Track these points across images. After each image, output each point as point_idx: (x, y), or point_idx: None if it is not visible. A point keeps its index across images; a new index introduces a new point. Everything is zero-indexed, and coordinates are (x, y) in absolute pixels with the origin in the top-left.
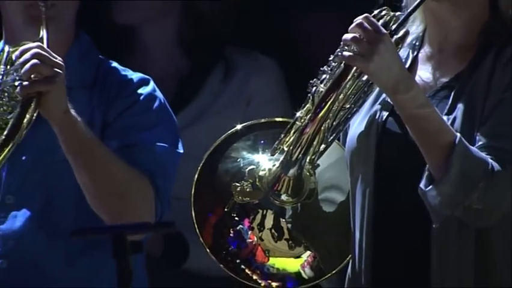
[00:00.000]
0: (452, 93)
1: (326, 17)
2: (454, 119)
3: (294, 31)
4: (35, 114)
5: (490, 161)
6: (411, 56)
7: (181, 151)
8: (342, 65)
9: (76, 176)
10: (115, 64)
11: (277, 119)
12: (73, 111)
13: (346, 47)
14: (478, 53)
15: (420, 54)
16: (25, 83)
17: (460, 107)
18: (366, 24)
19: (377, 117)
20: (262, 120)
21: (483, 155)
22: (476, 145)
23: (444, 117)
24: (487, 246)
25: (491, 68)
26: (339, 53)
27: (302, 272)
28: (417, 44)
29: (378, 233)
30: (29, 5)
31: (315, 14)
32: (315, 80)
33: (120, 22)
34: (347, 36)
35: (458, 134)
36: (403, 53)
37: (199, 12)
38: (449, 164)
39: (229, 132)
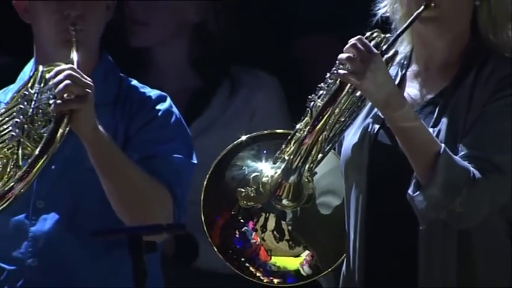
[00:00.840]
0: (437, 108)
1: (322, 39)
2: (439, 131)
3: (294, 51)
4: (66, 130)
5: (472, 169)
6: (400, 73)
7: (196, 162)
8: (337, 82)
9: (102, 184)
10: (134, 82)
11: (279, 131)
12: (100, 128)
13: (341, 66)
14: (460, 71)
15: (408, 72)
16: (59, 101)
17: (444, 120)
18: (359, 45)
19: (369, 129)
20: (265, 132)
21: (465, 163)
22: (459, 155)
23: (430, 130)
24: (469, 247)
25: (472, 85)
26: (335, 71)
27: (301, 269)
28: (405, 62)
29: (370, 234)
30: (60, 30)
31: (312, 35)
32: (313, 95)
33: (135, 45)
34: (342, 55)
35: (443, 145)
36: (393, 71)
37: (207, 35)
38: (435, 172)
39: (235, 142)
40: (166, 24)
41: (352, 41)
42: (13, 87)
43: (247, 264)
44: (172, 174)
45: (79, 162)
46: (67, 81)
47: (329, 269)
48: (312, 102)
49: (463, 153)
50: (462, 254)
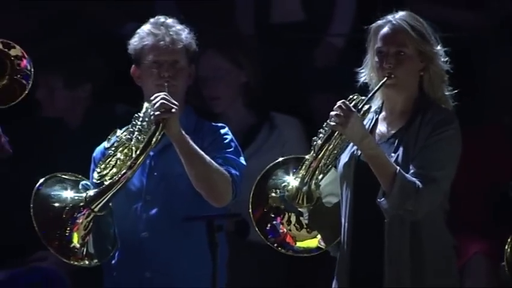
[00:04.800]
0: (397, 140)
1: (327, 95)
2: (398, 156)
3: (309, 103)
4: (161, 133)
5: (417, 182)
6: (374, 117)
7: (245, 163)
8: (330, 129)
9: (187, 170)
10: (206, 120)
11: (300, 156)
12: (183, 132)
13: (332, 119)
14: (412, 116)
15: (380, 116)
16: (157, 112)
17: (401, 148)
18: (343, 106)
19: (355, 153)
20: (293, 156)
21: (413, 178)
22: (410, 172)
23: (392, 155)
24: (418, 231)
25: (419, 125)
26: (328, 122)
27: (319, 244)
28: (378, 110)
29: (355, 220)
30: (158, 85)
31: (322, 93)
32: (315, 137)
33: (214, 111)
34: (332, 112)
35: (398, 167)
36: (370, 115)
37: (252, 91)
38: (393, 185)
39: (273, 163)
40: (231, 94)
41: (339, 103)
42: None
43: (280, 248)
44: (231, 167)
45: (172, 171)
46: (162, 100)
47: (334, 242)
48: (315, 142)
49: (412, 171)
50: (413, 235)
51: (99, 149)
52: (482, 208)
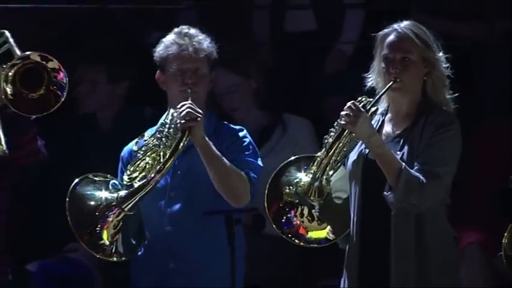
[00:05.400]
0: (402, 140)
1: (337, 98)
2: (403, 153)
3: (320, 105)
4: (187, 139)
5: (421, 177)
6: (381, 119)
7: (262, 165)
8: (340, 128)
9: (209, 173)
10: (225, 122)
11: (311, 155)
12: (206, 138)
13: (343, 118)
14: (416, 118)
15: (386, 118)
16: (182, 121)
17: (406, 147)
18: (352, 106)
19: (362, 151)
20: (304, 155)
21: (418, 174)
22: (414, 169)
23: (398, 153)
24: (421, 223)
25: (423, 126)
26: (339, 121)
27: (328, 236)
28: (384, 112)
29: (363, 215)
30: (182, 91)
31: (332, 96)
32: (326, 136)
33: (235, 118)
34: (343, 112)
35: (404, 164)
36: (377, 117)
37: (264, 97)
38: (399, 180)
39: (286, 161)
40: (246, 102)
41: (348, 104)
42: (155, 127)
43: (293, 238)
44: (249, 169)
45: (195, 170)
46: (188, 109)
47: (343, 234)
48: (326, 140)
49: (416, 167)
50: (417, 226)
51: (127, 149)
52: (480, 200)
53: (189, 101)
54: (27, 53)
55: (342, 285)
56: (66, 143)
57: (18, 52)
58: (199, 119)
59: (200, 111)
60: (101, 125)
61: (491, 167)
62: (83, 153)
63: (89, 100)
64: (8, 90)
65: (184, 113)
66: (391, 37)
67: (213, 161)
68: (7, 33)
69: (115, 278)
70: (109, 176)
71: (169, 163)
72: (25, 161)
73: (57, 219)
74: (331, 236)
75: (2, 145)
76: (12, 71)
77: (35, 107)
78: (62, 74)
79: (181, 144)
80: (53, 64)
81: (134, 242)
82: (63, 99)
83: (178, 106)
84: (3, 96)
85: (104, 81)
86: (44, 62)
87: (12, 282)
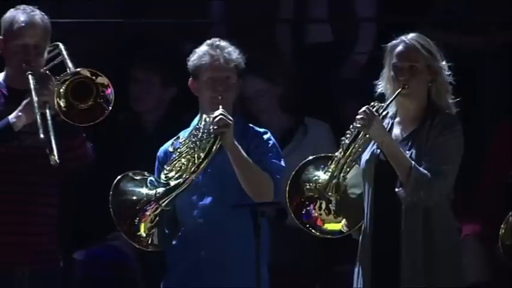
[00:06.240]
0: (410, 141)
1: (352, 103)
2: (411, 153)
3: (337, 109)
4: (219, 143)
5: (429, 174)
6: (390, 122)
7: (284, 165)
8: (356, 130)
9: (237, 174)
10: (251, 125)
11: (329, 154)
12: (235, 142)
13: (358, 121)
14: (422, 121)
15: (395, 121)
16: (215, 127)
17: (414, 147)
18: (367, 110)
19: (374, 152)
20: (322, 155)
21: (425, 171)
22: (422, 167)
23: (407, 152)
24: (429, 215)
25: (428, 128)
26: (354, 124)
27: (342, 229)
28: (393, 115)
29: (376, 209)
30: (213, 97)
31: (349, 102)
32: (343, 137)
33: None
34: (358, 116)
35: (413, 162)
36: (387, 120)
37: (288, 102)
38: (409, 177)
39: (305, 160)
40: (271, 106)
41: (363, 108)
42: (188, 129)
43: (311, 229)
44: (273, 169)
45: (224, 169)
46: (220, 116)
47: (356, 227)
48: (343, 141)
49: (423, 165)
50: (425, 219)
51: (163, 149)
52: (478, 194)
53: (221, 109)
54: (78, 69)
55: (356, 277)
56: (111, 141)
57: (70, 64)
58: (230, 125)
59: (231, 118)
60: (145, 126)
61: (498, 164)
62: (126, 152)
63: (141, 101)
64: (61, 103)
65: (217, 119)
66: (399, 47)
67: (240, 162)
68: (61, 46)
69: (152, 265)
70: (146, 173)
71: (202, 165)
72: (74, 163)
73: (101, 212)
74: (345, 229)
75: (54, 155)
76: (64, 86)
77: (84, 116)
78: (109, 90)
79: (214, 147)
80: (102, 80)
81: (169, 233)
82: (107, 112)
83: (213, 115)
84: (56, 107)
85: (157, 83)
86: (93, 77)
87: (63, 269)
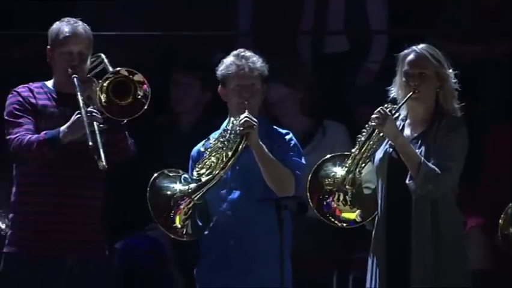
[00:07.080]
0: (419, 140)
1: (366, 107)
2: (421, 151)
3: (353, 113)
4: (245, 143)
5: (437, 170)
6: (402, 123)
7: (305, 163)
8: (371, 128)
9: (262, 171)
10: (274, 126)
11: (346, 153)
12: (260, 142)
13: (373, 120)
14: (430, 123)
15: (405, 123)
16: (241, 128)
17: (423, 146)
18: (381, 111)
19: (387, 150)
20: (339, 153)
21: (434, 167)
22: (430, 163)
23: (417, 151)
24: (436, 207)
25: (436, 129)
26: (370, 123)
27: (356, 219)
28: (404, 118)
29: (388, 202)
30: (240, 102)
31: (363, 105)
32: (359, 135)
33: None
34: (373, 115)
35: (422, 158)
36: (399, 122)
37: (308, 106)
38: (419, 171)
39: (324, 158)
40: (293, 109)
41: (378, 109)
42: (218, 131)
43: (330, 217)
44: (294, 166)
45: (250, 167)
46: (246, 118)
47: (370, 218)
48: (359, 139)
49: (432, 162)
50: (433, 210)
51: (196, 149)
52: (488, 192)
53: (246, 112)
54: (117, 68)
55: (370, 266)
56: (151, 141)
57: (110, 69)
58: (254, 126)
59: (255, 120)
60: (181, 127)
61: (499, 163)
62: (163, 151)
63: (181, 102)
64: (103, 98)
65: (243, 121)
66: (411, 56)
67: (265, 160)
68: (103, 56)
69: (184, 254)
70: (180, 171)
71: (230, 162)
72: (116, 157)
73: (140, 205)
74: (359, 219)
75: (102, 161)
76: (106, 83)
77: (124, 112)
78: (146, 86)
79: (240, 147)
80: (138, 77)
81: (201, 225)
82: (146, 107)
83: (239, 118)
84: (98, 104)
85: (197, 87)
86: (130, 76)
87: (108, 257)
